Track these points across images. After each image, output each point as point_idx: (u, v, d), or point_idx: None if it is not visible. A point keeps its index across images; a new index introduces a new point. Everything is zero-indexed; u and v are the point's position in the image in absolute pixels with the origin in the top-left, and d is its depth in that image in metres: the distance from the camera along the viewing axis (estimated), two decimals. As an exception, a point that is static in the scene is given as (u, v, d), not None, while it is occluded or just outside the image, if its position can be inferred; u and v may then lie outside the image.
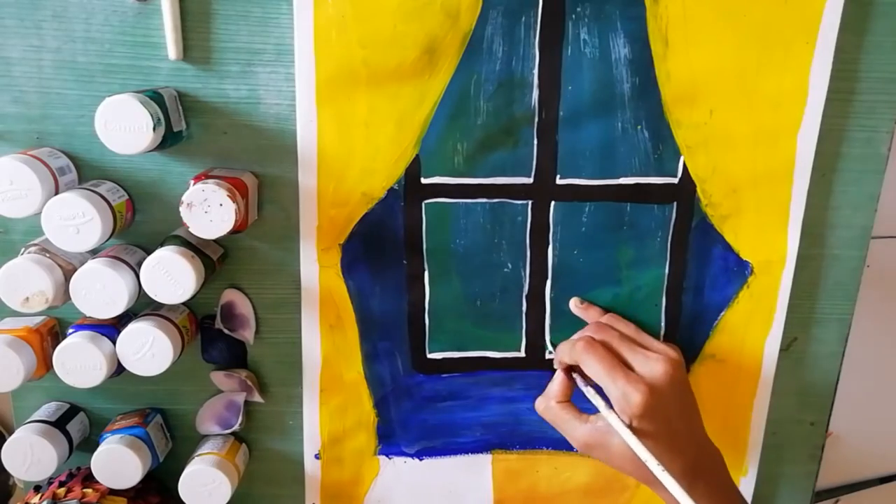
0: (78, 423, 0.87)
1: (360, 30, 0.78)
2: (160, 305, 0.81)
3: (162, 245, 0.77)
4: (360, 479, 0.95)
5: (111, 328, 0.80)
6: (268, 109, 0.81)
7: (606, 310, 0.89)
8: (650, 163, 0.84)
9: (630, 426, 0.74)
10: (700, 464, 0.78)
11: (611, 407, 0.76)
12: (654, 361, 0.77)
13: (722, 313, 0.90)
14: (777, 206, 0.86)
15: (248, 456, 0.92)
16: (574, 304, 0.88)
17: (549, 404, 0.82)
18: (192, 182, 0.74)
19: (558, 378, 0.83)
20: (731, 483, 0.82)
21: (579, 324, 0.89)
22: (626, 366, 0.77)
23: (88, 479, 0.85)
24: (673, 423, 0.76)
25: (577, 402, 0.82)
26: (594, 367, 0.77)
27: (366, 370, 0.90)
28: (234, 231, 0.74)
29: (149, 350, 0.77)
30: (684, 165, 0.84)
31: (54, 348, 0.77)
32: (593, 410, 0.79)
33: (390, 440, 0.94)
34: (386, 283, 0.87)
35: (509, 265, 0.87)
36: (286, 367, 0.90)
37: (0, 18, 0.77)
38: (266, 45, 0.79)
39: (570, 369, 0.83)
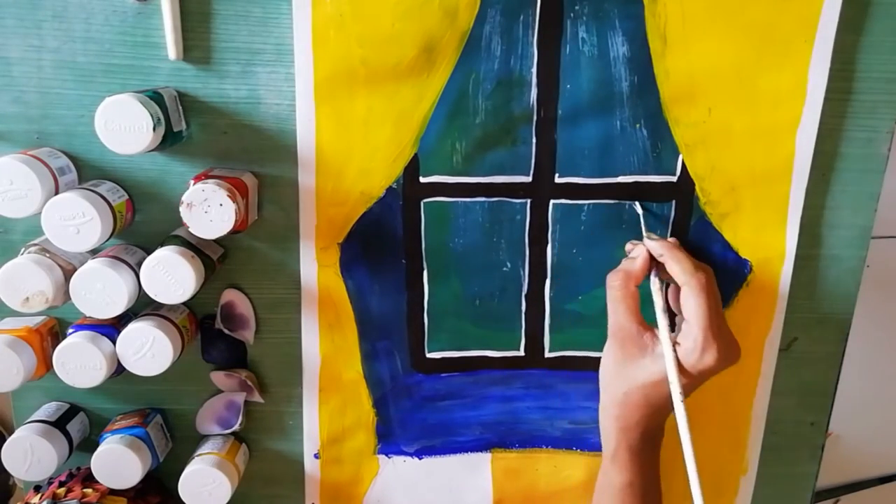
0: (78, 423, 0.87)
1: (358, 29, 0.78)
2: (160, 305, 0.81)
3: (162, 245, 0.77)
4: (360, 479, 0.95)
5: (111, 328, 0.79)
6: (268, 109, 0.81)
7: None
8: (649, 161, 0.84)
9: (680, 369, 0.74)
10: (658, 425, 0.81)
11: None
12: (734, 342, 0.78)
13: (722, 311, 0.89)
14: (776, 204, 0.86)
15: (247, 456, 0.92)
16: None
17: (620, 283, 0.80)
18: (192, 182, 0.74)
19: (642, 260, 0.80)
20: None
21: (580, 324, 0.89)
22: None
23: (88, 479, 0.84)
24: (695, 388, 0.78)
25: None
26: (697, 303, 0.75)
27: (365, 370, 0.90)
28: (234, 231, 0.75)
29: (149, 350, 0.77)
30: (683, 164, 0.84)
31: (54, 348, 0.77)
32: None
33: (389, 439, 0.93)
34: (385, 282, 0.87)
35: (508, 264, 0.88)
36: (286, 367, 0.90)
37: (0, 18, 0.77)
38: (266, 45, 0.79)
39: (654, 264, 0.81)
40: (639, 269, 0.80)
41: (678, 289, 0.78)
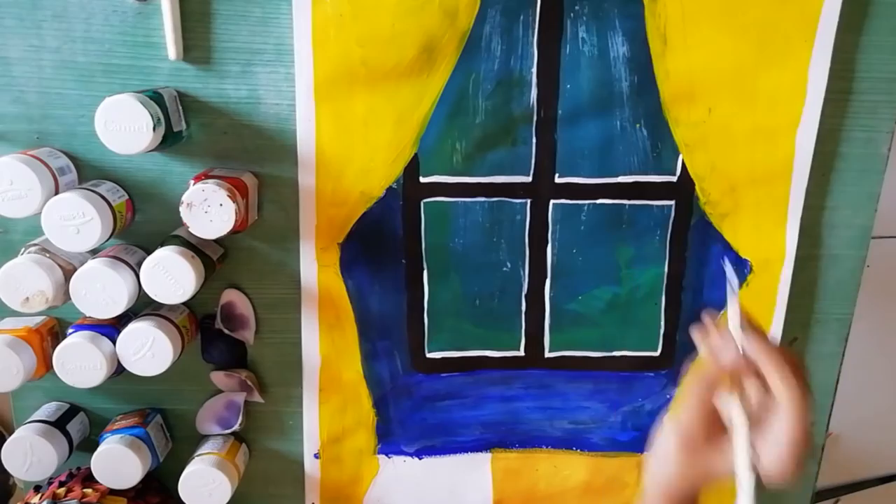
0: (78, 423, 0.87)
1: (358, 29, 0.78)
2: (160, 305, 0.81)
3: (162, 245, 0.77)
4: (360, 479, 0.95)
5: (111, 328, 0.79)
6: (268, 109, 0.81)
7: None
8: (649, 161, 0.84)
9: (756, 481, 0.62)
10: None
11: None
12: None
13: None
14: (776, 204, 0.86)
15: (247, 456, 0.92)
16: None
17: (707, 383, 0.65)
18: (192, 182, 0.74)
19: (732, 358, 0.64)
20: None
21: (580, 324, 0.89)
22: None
23: (88, 479, 0.84)
24: None
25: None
26: (796, 416, 0.61)
27: (365, 370, 0.90)
28: (234, 231, 0.75)
29: (149, 350, 0.77)
30: (683, 164, 0.84)
31: (54, 348, 0.77)
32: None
33: (389, 439, 0.93)
34: (385, 282, 0.87)
35: (508, 264, 0.87)
36: (286, 367, 0.90)
37: (1, 19, 0.77)
38: (266, 45, 0.79)
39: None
40: (728, 363, 0.65)
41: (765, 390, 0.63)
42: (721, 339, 0.65)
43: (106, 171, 0.81)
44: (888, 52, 0.83)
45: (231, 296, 0.86)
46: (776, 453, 0.62)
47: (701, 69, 0.81)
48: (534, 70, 0.81)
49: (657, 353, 0.92)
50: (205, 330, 0.87)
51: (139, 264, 0.75)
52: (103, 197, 0.75)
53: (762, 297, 0.89)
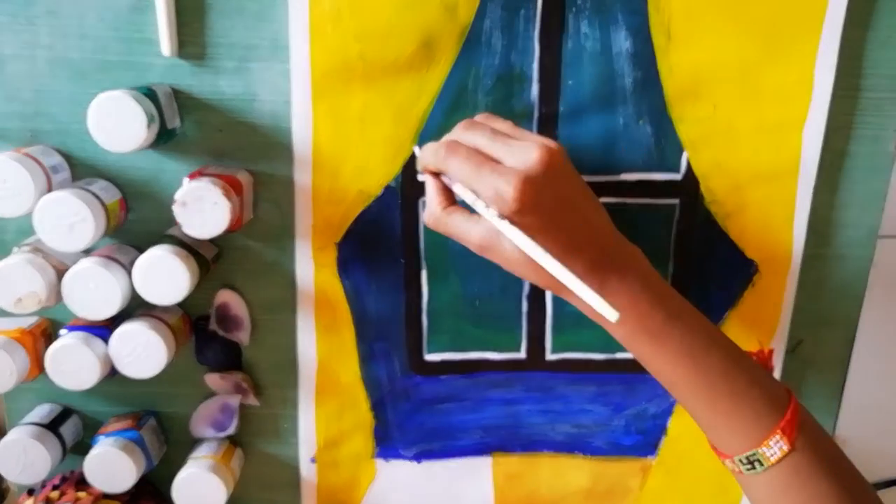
0: (71, 426, 0.87)
1: (355, 23, 0.77)
2: (154, 306, 0.80)
3: (156, 244, 0.76)
4: (357, 483, 0.94)
5: (104, 329, 0.79)
6: (263, 106, 0.80)
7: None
8: (652, 159, 0.83)
9: (509, 220, 0.65)
10: (610, 259, 0.69)
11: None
12: (525, 149, 0.65)
13: (727, 313, 0.89)
14: (782, 203, 0.85)
15: (242, 460, 0.91)
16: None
17: (434, 213, 0.71)
18: (186, 180, 0.74)
19: (430, 185, 0.72)
20: (654, 275, 0.71)
21: (583, 325, 0.88)
22: (497, 162, 0.66)
23: (82, 482, 0.84)
24: (563, 217, 0.66)
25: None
26: (460, 170, 0.66)
27: (362, 372, 0.89)
28: (229, 230, 0.74)
29: (142, 352, 0.77)
30: (688, 161, 0.83)
31: (47, 350, 0.76)
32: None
33: (388, 443, 0.93)
34: (383, 282, 0.86)
35: (509, 264, 0.86)
36: (281, 370, 0.89)
37: (-8, 15, 0.76)
38: (261, 41, 0.78)
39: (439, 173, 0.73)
40: (437, 198, 0.72)
41: None
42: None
43: (99, 169, 0.81)
44: (896, 49, 0.82)
45: (226, 296, 0.86)
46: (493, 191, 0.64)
47: (706, 65, 0.80)
48: (535, 65, 0.80)
49: (661, 356, 0.90)
50: (199, 331, 0.87)
51: (132, 264, 0.75)
52: (96, 195, 0.74)
53: (768, 298, 0.88)
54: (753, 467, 0.67)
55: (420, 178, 0.80)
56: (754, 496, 0.71)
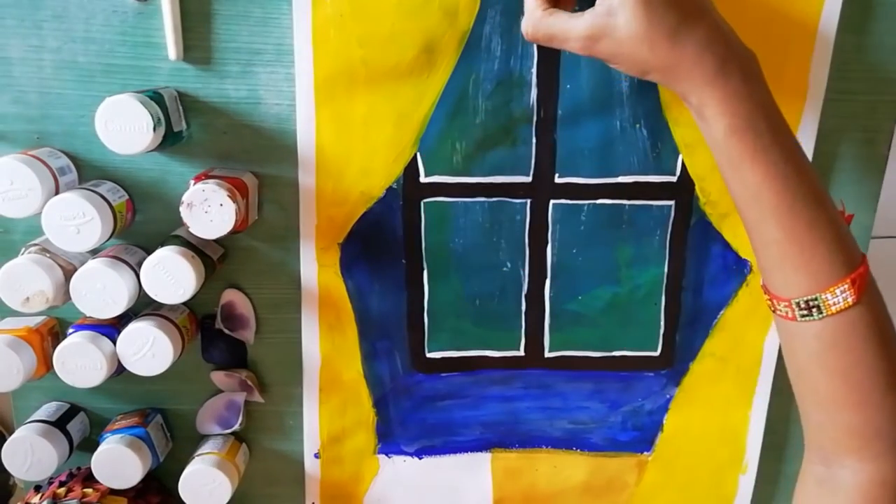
0: (78, 423, 0.87)
1: (358, 29, 0.78)
2: (160, 305, 0.81)
3: (162, 245, 0.77)
4: (360, 479, 0.95)
5: (111, 328, 0.79)
6: (268, 109, 0.81)
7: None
8: (649, 161, 0.84)
9: None
10: (733, 53, 0.64)
11: None
12: None
13: (721, 312, 0.90)
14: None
15: (248, 456, 0.92)
16: None
17: (536, 15, 0.68)
18: (192, 182, 0.74)
19: None
20: (766, 83, 0.67)
21: (578, 324, 0.89)
22: None
23: (89, 479, 0.84)
24: None
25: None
26: None
27: (365, 369, 0.90)
28: (235, 231, 0.74)
29: (149, 350, 0.77)
30: (683, 163, 0.84)
31: (54, 348, 0.77)
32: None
33: (390, 439, 0.93)
34: (385, 282, 0.87)
35: (508, 264, 0.87)
36: (286, 367, 0.90)
37: (0, 18, 0.77)
38: (266, 45, 0.79)
39: None
40: (534, 3, 0.69)
41: None
42: None
43: (106, 171, 0.81)
44: (888, 53, 0.83)
45: (231, 296, 0.86)
46: None
47: (701, 69, 0.81)
48: (534, 70, 0.81)
49: (657, 353, 0.92)
50: (205, 330, 0.87)
51: (139, 264, 0.75)
52: (103, 197, 0.75)
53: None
54: (810, 313, 0.64)
55: None
56: (795, 347, 0.67)
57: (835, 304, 0.62)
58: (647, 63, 0.64)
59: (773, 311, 0.67)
